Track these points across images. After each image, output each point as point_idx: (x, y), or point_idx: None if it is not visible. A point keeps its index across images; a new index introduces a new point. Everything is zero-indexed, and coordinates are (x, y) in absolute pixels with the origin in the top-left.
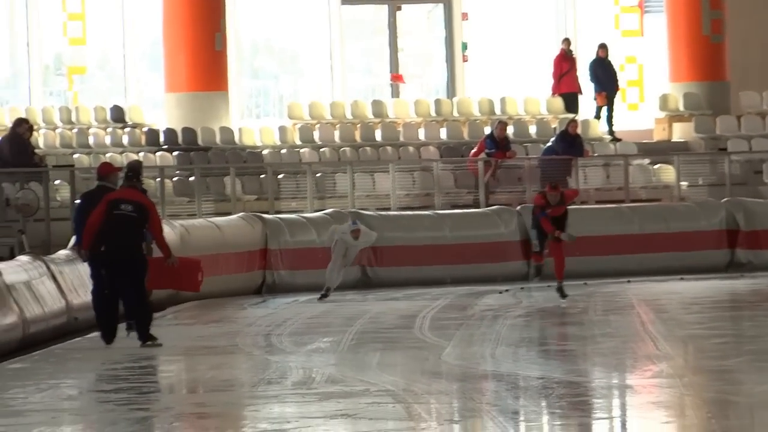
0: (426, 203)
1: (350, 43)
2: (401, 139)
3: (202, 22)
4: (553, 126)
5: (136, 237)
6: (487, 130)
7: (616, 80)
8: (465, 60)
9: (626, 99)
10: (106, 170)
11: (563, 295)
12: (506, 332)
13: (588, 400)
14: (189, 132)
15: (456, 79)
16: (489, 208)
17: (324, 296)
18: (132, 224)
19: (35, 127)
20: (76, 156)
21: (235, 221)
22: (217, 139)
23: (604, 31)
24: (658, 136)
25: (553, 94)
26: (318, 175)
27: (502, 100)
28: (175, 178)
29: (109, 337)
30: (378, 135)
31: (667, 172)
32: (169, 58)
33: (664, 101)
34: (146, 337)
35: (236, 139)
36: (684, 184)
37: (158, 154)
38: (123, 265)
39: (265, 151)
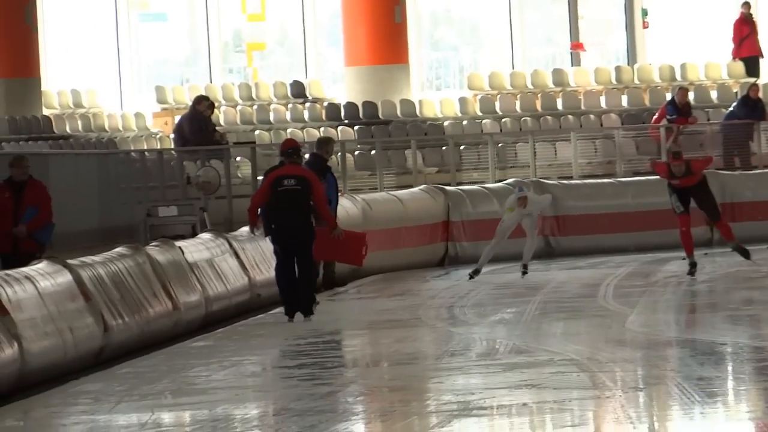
0: (608, 171)
1: (529, 12)
2: (582, 107)
3: None
4: (734, 91)
5: (303, 210)
6: (668, 97)
7: None
8: (645, 26)
9: None
10: (288, 145)
11: (745, 256)
12: (690, 298)
13: None
14: (369, 105)
15: (636, 46)
16: None
17: (473, 275)
18: (297, 198)
19: (215, 104)
20: (256, 133)
21: (416, 194)
22: (398, 111)
23: None
24: None
25: (734, 58)
26: (499, 145)
27: (683, 66)
28: (356, 152)
29: (291, 312)
30: (559, 104)
31: None
32: (349, 32)
33: None
34: (308, 312)
35: (417, 111)
36: None
37: (339, 128)
38: (294, 240)
39: (445, 123)
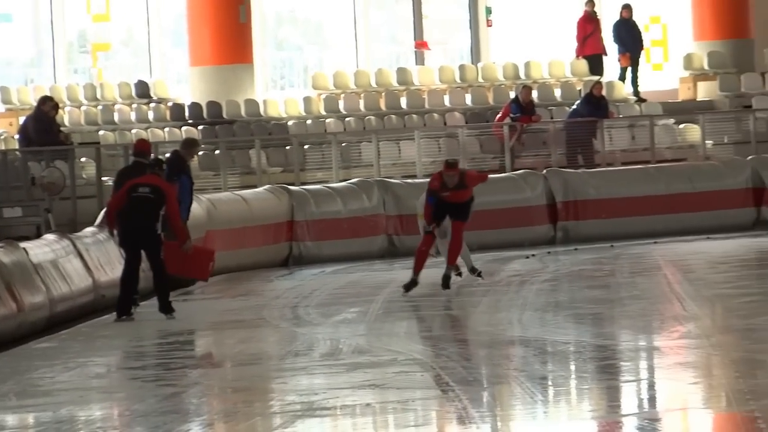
0: None
1: (374, 12)
2: (426, 106)
3: None
4: (578, 89)
5: (150, 218)
6: (512, 95)
7: (641, 41)
8: (489, 25)
9: (650, 59)
10: (141, 146)
11: (446, 285)
12: (533, 297)
13: (615, 363)
14: (214, 105)
15: (480, 45)
16: (515, 172)
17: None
18: (147, 205)
19: (60, 105)
20: (101, 133)
21: (261, 194)
22: (242, 111)
23: None
24: (683, 95)
25: (578, 56)
26: (343, 144)
27: (527, 64)
28: (200, 152)
29: (121, 313)
30: (403, 103)
31: (692, 132)
32: (193, 32)
33: (688, 60)
34: (167, 310)
35: (261, 111)
36: (709, 143)
37: (183, 128)
38: (137, 245)
39: (290, 123)
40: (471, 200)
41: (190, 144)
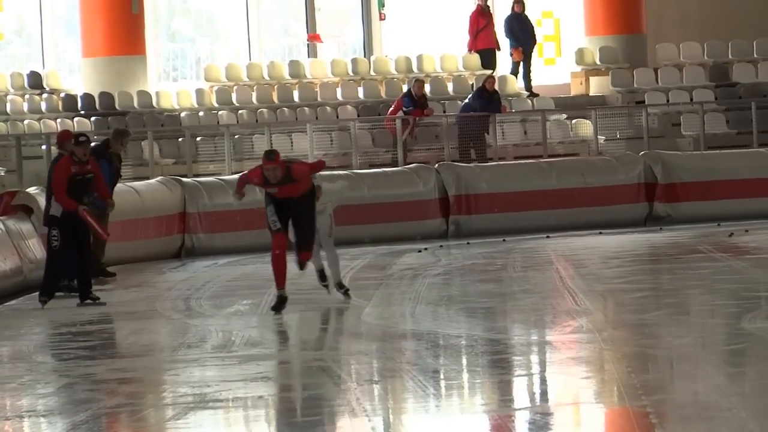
0: (344, 163)
1: (266, 4)
2: (318, 99)
3: None
4: (470, 83)
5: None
6: (405, 88)
7: (533, 35)
8: (382, 18)
9: (543, 54)
10: (63, 137)
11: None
12: (425, 291)
13: (508, 357)
14: (106, 96)
15: (373, 38)
16: (407, 166)
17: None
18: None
19: None
20: None
21: (153, 185)
22: (135, 103)
23: None
24: (575, 90)
25: (470, 50)
26: (236, 137)
27: (419, 58)
28: (93, 144)
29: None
30: (295, 96)
31: (585, 127)
32: (86, 23)
33: (580, 55)
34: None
35: (154, 102)
36: (602, 138)
37: (76, 119)
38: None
39: (182, 114)
40: (310, 194)
41: (119, 134)
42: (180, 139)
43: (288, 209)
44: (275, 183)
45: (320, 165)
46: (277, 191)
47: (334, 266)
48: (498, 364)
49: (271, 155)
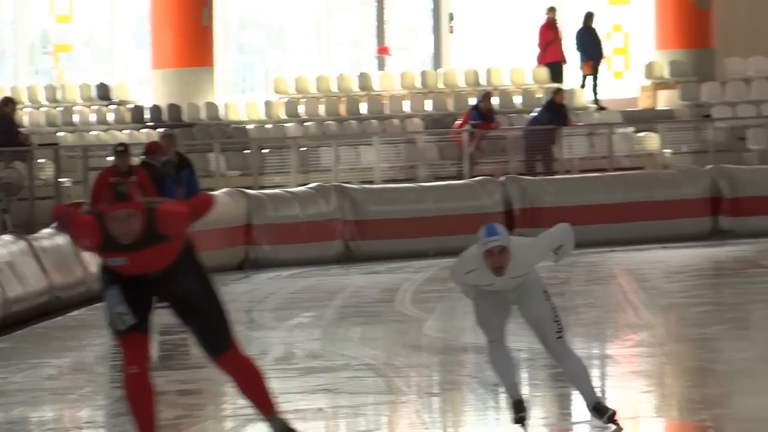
0: (410, 175)
1: (336, 16)
2: (386, 111)
3: None
4: (538, 96)
5: None
6: (473, 102)
7: (602, 48)
8: (451, 31)
9: (612, 67)
10: (154, 147)
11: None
12: None
13: None
14: (174, 108)
15: (442, 51)
16: (473, 179)
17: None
18: None
19: (20, 105)
20: (60, 134)
21: (218, 197)
22: (202, 114)
23: None
24: (644, 104)
25: (539, 63)
26: (302, 149)
27: (488, 71)
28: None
29: None
30: (363, 108)
31: (651, 140)
32: (156, 35)
33: (649, 69)
34: None
35: (221, 114)
36: (668, 151)
37: (143, 131)
38: None
39: (250, 126)
40: (189, 256)
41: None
42: (246, 151)
43: (152, 288)
44: (124, 248)
45: (203, 205)
46: (129, 262)
47: (583, 381)
48: (558, 378)
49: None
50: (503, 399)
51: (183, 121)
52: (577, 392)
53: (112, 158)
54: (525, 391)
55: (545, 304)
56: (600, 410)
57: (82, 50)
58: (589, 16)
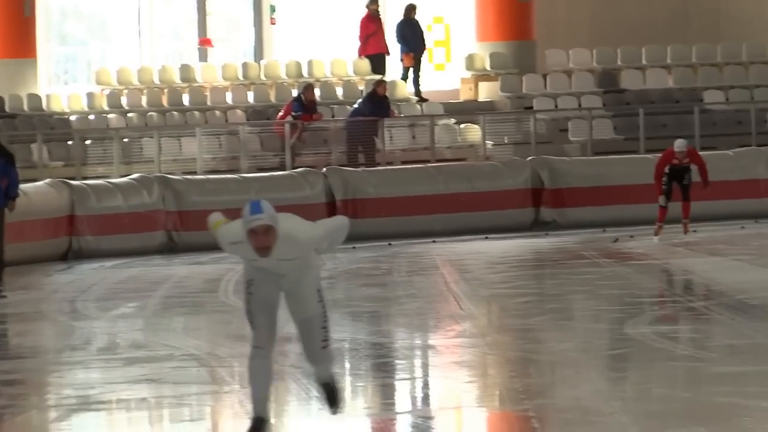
0: (232, 167)
1: (158, 8)
2: (208, 103)
3: None
4: (360, 88)
5: None
6: (295, 93)
7: (424, 40)
8: (273, 23)
9: (433, 59)
10: None
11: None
12: None
13: (391, 361)
14: None
15: (264, 43)
16: (295, 170)
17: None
18: None
19: None
20: None
21: (41, 188)
22: (25, 106)
23: None
24: (465, 95)
25: (360, 55)
26: (125, 140)
27: (310, 63)
28: None
29: None
30: (186, 99)
31: (473, 132)
32: None
33: (470, 61)
34: None
35: (44, 105)
36: (489, 143)
37: None
38: None
39: (72, 118)
40: None
41: None
42: (69, 142)
43: None
44: None
45: None
46: None
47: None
48: (381, 368)
49: None
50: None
51: (6, 112)
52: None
53: None
54: (348, 381)
55: (316, 306)
56: (331, 395)
57: None
58: (410, 8)
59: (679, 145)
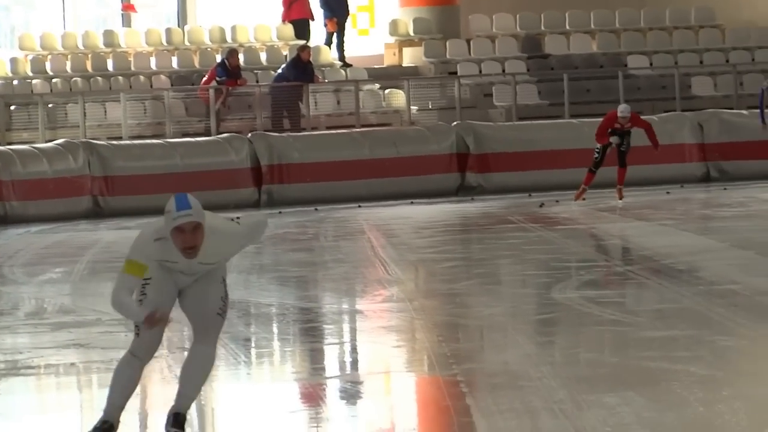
0: (157, 132)
1: None
2: (132, 68)
3: None
4: (284, 53)
5: None
6: (218, 59)
7: (347, 6)
8: None
9: (357, 25)
10: None
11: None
12: (237, 259)
13: (319, 326)
14: None
15: (187, 8)
16: (220, 135)
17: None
18: None
19: None
20: None
21: None
22: None
23: None
24: (389, 61)
25: (284, 21)
26: (50, 105)
27: (233, 28)
28: None
29: None
30: (110, 65)
31: (398, 97)
32: None
33: (394, 26)
34: None
35: None
36: (414, 108)
37: None
38: None
39: None
40: None
41: None
42: None
43: None
44: None
45: None
46: None
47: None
48: (309, 333)
49: None
50: (254, 354)
51: None
52: (183, 388)
53: None
54: (275, 345)
55: (219, 288)
56: (177, 422)
57: None
58: None
59: (622, 110)
